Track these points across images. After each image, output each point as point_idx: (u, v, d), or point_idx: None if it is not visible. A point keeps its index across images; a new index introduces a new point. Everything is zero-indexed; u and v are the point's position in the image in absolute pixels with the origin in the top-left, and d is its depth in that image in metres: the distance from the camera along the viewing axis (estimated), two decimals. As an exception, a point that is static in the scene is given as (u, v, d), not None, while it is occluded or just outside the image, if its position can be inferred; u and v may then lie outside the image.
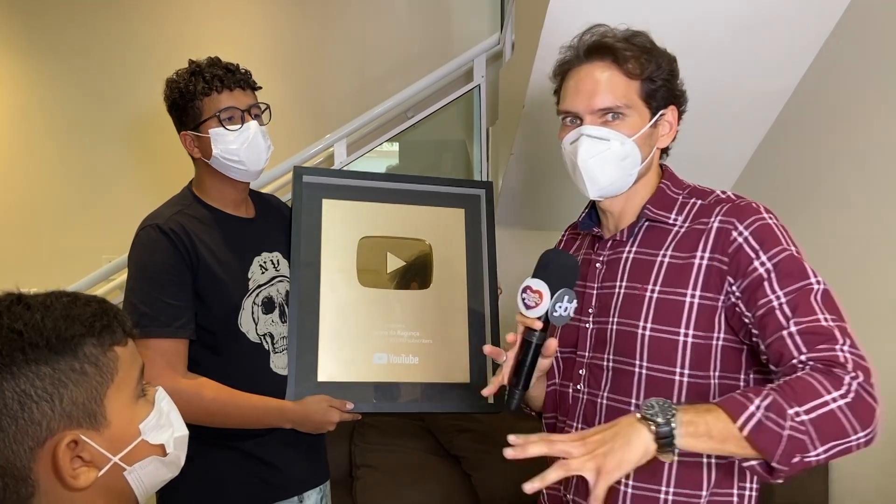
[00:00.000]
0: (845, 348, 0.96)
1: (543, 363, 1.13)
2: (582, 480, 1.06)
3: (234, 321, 1.42)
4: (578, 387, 1.20)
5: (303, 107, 3.83)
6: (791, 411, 0.91)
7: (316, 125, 3.57)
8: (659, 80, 1.14)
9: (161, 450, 0.79)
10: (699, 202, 1.15)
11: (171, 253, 1.35)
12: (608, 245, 1.22)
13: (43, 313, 0.70)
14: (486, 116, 2.92)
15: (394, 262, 1.66)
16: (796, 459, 0.91)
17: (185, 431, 0.84)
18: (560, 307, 1.06)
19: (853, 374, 0.93)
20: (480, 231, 1.73)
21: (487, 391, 1.14)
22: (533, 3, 2.13)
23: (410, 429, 2.55)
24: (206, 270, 1.39)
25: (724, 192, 1.16)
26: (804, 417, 0.91)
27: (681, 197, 1.17)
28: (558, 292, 1.05)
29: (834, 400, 0.91)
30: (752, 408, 0.91)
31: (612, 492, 1.12)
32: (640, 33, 1.18)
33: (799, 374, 0.96)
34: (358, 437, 2.52)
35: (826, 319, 0.99)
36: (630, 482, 1.11)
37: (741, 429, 0.90)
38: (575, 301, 1.08)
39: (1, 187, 3.75)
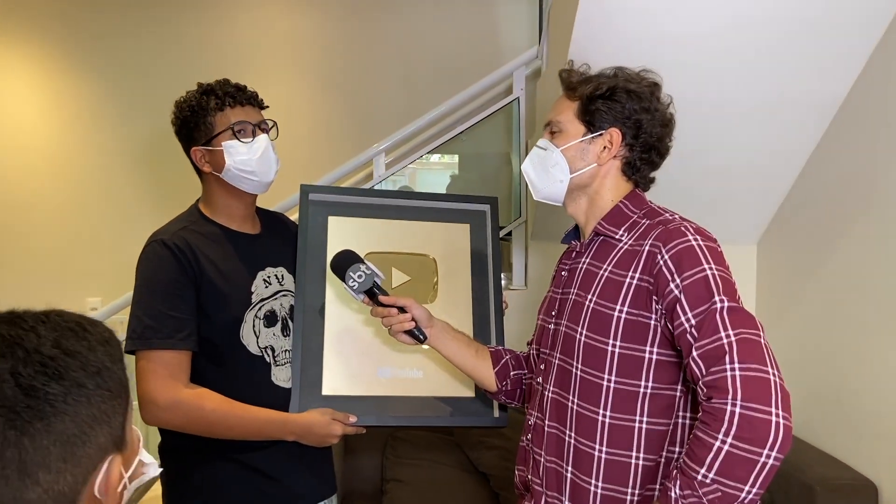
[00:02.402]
0: (734, 366, 1.02)
1: (401, 336, 1.43)
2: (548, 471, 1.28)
3: (235, 333, 1.45)
4: (539, 380, 1.35)
5: (350, 119, 3.91)
6: (699, 477, 1.01)
7: (362, 137, 3.63)
8: (598, 102, 1.26)
9: (147, 468, 0.80)
10: (647, 223, 1.24)
11: (174, 267, 1.39)
12: (572, 255, 1.36)
13: (91, 337, 0.71)
14: (525, 129, 2.89)
15: (399, 278, 1.66)
16: None
17: None
18: (353, 282, 1.42)
19: (732, 401, 1.00)
20: (486, 246, 1.72)
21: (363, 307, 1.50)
22: (562, 19, 2.11)
23: (441, 444, 2.54)
24: (208, 284, 1.42)
25: (673, 215, 1.25)
26: (711, 476, 1.00)
27: (635, 216, 1.27)
28: (345, 276, 1.43)
29: (723, 441, 0.99)
30: (672, 496, 1.03)
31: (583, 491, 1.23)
32: (622, 68, 1.31)
33: (695, 430, 1.05)
34: (390, 450, 2.53)
35: (728, 336, 1.05)
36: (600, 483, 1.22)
37: None
38: (362, 266, 1.42)
39: (54, 204, 3.97)
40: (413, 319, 1.41)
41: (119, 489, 0.72)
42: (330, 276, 1.61)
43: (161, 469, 0.83)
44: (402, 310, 1.41)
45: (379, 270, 1.44)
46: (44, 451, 0.64)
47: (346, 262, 1.44)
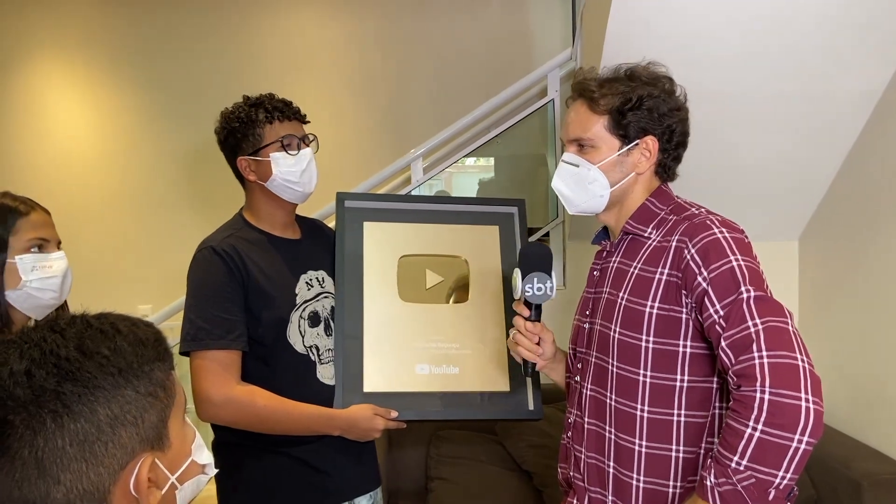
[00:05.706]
0: (762, 353, 1.04)
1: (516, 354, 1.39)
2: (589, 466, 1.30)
3: (282, 333, 1.51)
4: (577, 378, 1.38)
5: (386, 125, 3.97)
6: (732, 465, 1.02)
7: (399, 142, 3.69)
8: (629, 115, 1.26)
9: (202, 468, 0.82)
10: (674, 218, 1.26)
11: (224, 272, 1.47)
12: (603, 255, 1.38)
13: (120, 339, 0.72)
14: (560, 131, 2.90)
15: (432, 279, 1.71)
16: (772, 494, 1.01)
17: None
18: (531, 287, 1.31)
19: (761, 388, 1.01)
20: (515, 246, 1.77)
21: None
22: (595, 20, 2.13)
23: (483, 442, 2.57)
24: (255, 287, 1.49)
25: (700, 209, 1.26)
26: (744, 463, 1.01)
27: (662, 213, 1.29)
28: (528, 276, 1.31)
29: (754, 428, 1.01)
30: (708, 485, 1.05)
31: (625, 485, 1.25)
32: (633, 69, 1.29)
33: (726, 419, 1.07)
34: (433, 449, 2.57)
35: (755, 324, 1.07)
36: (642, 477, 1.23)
37: None
38: (549, 282, 1.32)
39: (116, 212, 4.10)
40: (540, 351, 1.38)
41: (164, 489, 0.74)
42: (368, 277, 1.67)
43: (217, 470, 0.84)
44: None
45: (555, 288, 1.33)
46: (59, 451, 0.65)
47: (538, 263, 1.33)
